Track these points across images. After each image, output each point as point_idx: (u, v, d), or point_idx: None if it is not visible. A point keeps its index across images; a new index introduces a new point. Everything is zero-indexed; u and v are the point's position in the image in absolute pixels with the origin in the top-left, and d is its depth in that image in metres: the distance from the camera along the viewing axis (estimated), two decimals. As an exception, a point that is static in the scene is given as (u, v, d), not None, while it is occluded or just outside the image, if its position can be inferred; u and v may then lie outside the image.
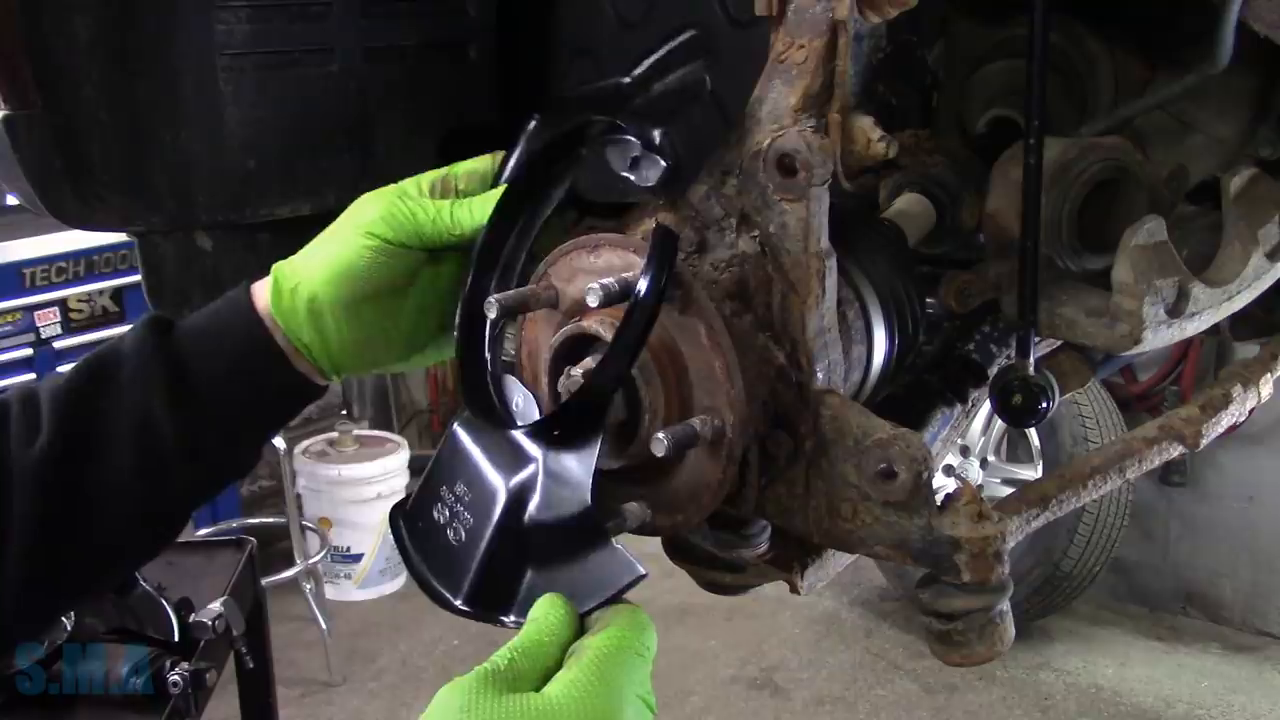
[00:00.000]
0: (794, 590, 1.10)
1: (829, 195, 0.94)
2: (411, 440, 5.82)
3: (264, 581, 2.74)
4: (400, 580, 5.13)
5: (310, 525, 4.85)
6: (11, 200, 3.87)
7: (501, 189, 1.03)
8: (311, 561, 4.52)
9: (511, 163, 1.06)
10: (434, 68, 1.51)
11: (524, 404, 0.97)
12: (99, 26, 1.32)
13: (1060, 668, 4.50)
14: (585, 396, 0.89)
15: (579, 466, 0.87)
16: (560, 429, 0.89)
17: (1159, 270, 1.12)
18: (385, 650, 4.73)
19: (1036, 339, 1.14)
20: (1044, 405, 1.13)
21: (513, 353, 1.04)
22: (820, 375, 0.95)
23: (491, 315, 0.94)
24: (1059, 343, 1.30)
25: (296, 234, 1.13)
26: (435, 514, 0.93)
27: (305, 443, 5.18)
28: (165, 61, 1.37)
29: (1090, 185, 1.17)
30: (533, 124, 1.04)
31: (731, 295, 0.94)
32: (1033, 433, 4.52)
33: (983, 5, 1.35)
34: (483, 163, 1.06)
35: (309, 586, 4.47)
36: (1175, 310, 1.15)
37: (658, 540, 1.08)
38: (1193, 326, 1.19)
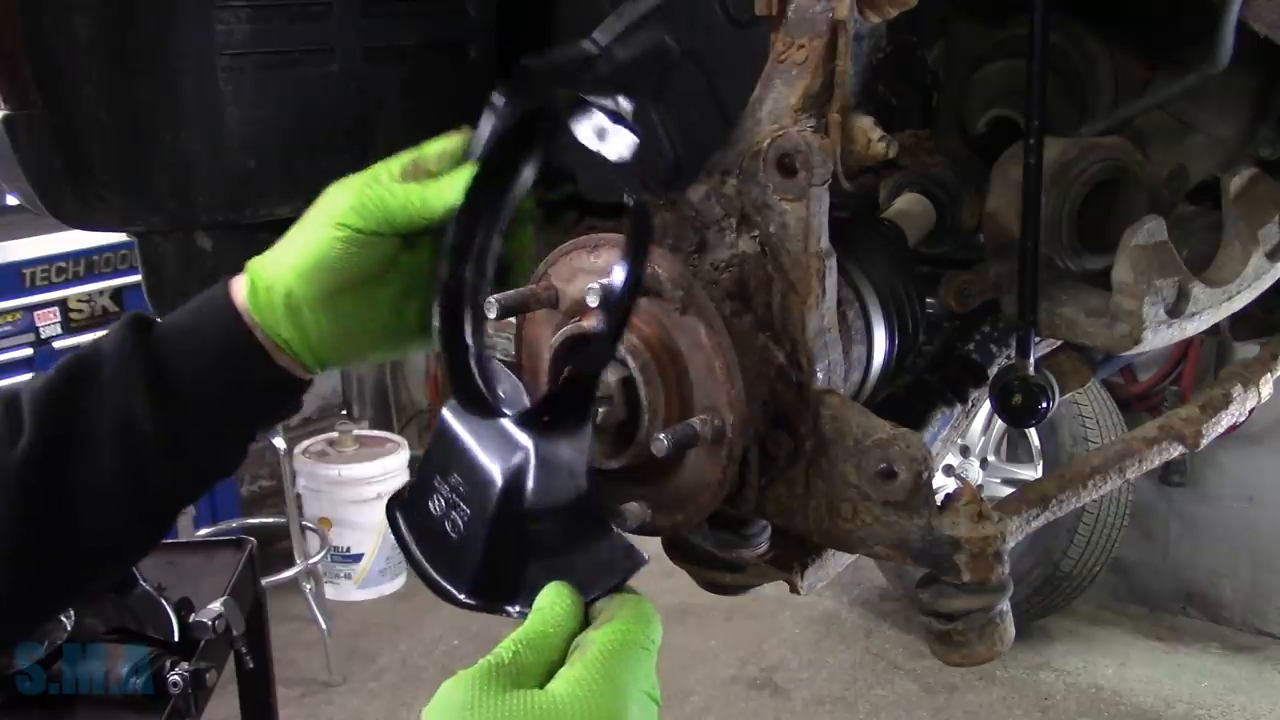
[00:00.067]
0: (794, 590, 1.10)
1: (829, 195, 0.94)
2: (411, 440, 5.81)
3: (264, 581, 2.74)
4: (400, 580, 5.13)
5: (310, 525, 4.85)
6: (11, 200, 3.87)
7: (471, 168, 1.00)
8: (311, 561, 4.52)
9: (480, 141, 1.02)
10: (434, 68, 1.51)
11: (511, 390, 0.96)
12: (99, 26, 1.32)
13: (1060, 668, 4.50)
14: (574, 382, 0.89)
15: (573, 453, 0.87)
16: (551, 416, 0.88)
17: (1159, 270, 1.12)
18: (385, 650, 4.73)
19: (1036, 339, 1.14)
20: (1044, 405, 1.13)
21: (512, 352, 1.04)
22: (820, 375, 0.95)
23: (491, 315, 0.94)
24: (1059, 343, 1.30)
25: (296, 234, 1.13)
26: (432, 505, 0.92)
27: (305, 443, 5.18)
28: (165, 61, 1.37)
29: (1090, 185, 1.17)
30: (499, 98, 1.01)
31: (731, 295, 0.94)
32: (1033, 433, 4.52)
33: (983, 5, 1.35)
34: (452, 142, 1.03)
35: (309, 586, 4.47)
36: (1175, 310, 1.15)
37: (658, 540, 1.08)
38: (1193, 326, 1.19)
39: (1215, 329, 1.33)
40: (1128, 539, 4.60)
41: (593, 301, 0.87)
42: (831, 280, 0.95)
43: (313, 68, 1.43)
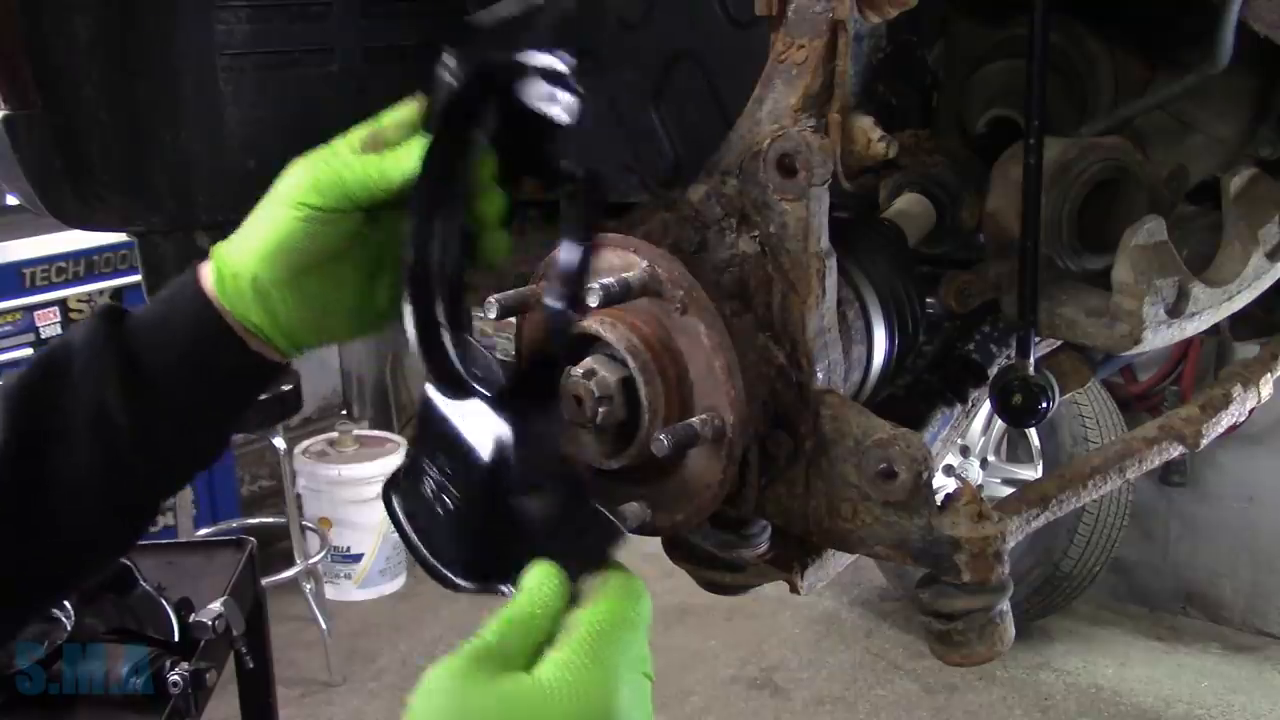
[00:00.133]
0: (794, 590, 1.10)
1: (829, 195, 0.94)
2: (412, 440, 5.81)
3: (264, 581, 2.74)
4: (400, 580, 5.13)
5: (310, 525, 4.84)
6: (11, 200, 3.87)
7: (425, 138, 0.98)
8: (311, 561, 4.52)
9: (432, 107, 1.00)
10: (434, 68, 1.51)
11: (487, 369, 0.94)
12: (99, 26, 1.32)
13: (1060, 668, 4.50)
14: (542, 360, 0.88)
15: (548, 430, 0.87)
16: (524, 395, 0.88)
17: (1159, 270, 1.12)
18: (385, 650, 4.73)
19: (1036, 339, 1.14)
20: (1044, 405, 1.13)
21: (512, 353, 1.04)
22: (820, 375, 0.95)
23: (491, 315, 0.94)
24: (1059, 343, 1.30)
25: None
26: (423, 488, 0.91)
27: (305, 443, 5.18)
28: (165, 61, 1.37)
29: (1090, 185, 1.17)
30: (449, 59, 0.99)
31: (731, 295, 0.94)
32: (1033, 433, 4.52)
33: (983, 5, 1.35)
34: (408, 110, 1.00)
35: (309, 586, 4.47)
36: (1175, 310, 1.15)
37: (658, 540, 1.08)
38: (1193, 326, 1.19)
39: (1215, 329, 1.33)
40: (1128, 539, 4.60)
41: (593, 302, 0.87)
42: (831, 280, 0.95)
43: (313, 68, 1.44)
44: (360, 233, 0.99)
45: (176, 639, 2.25)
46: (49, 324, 4.29)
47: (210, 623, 2.28)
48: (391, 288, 1.02)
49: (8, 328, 4.19)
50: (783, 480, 0.97)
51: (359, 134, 0.99)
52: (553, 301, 0.88)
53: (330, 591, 4.89)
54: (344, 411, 6.15)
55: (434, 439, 0.92)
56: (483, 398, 0.89)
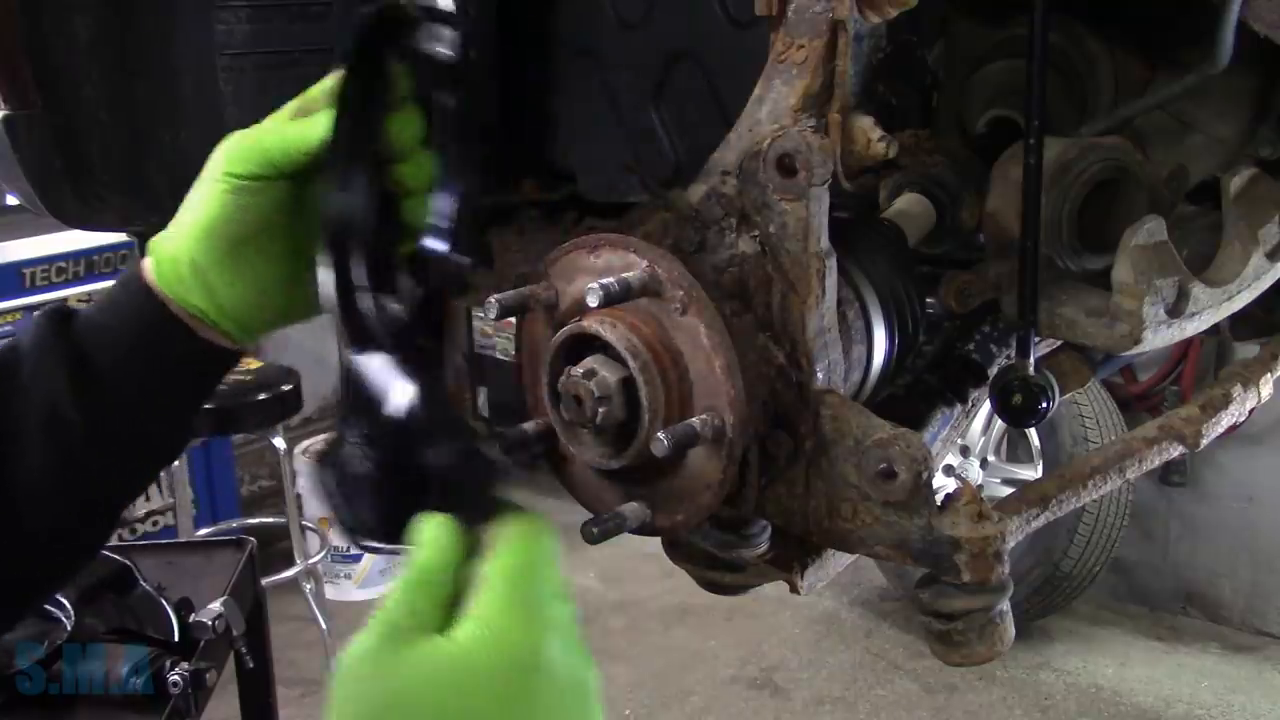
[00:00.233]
0: (794, 590, 1.10)
1: (829, 195, 0.94)
2: (411, 440, 5.81)
3: (264, 581, 2.73)
4: (400, 580, 5.13)
5: (310, 525, 4.84)
6: (11, 200, 3.87)
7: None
8: (311, 561, 4.52)
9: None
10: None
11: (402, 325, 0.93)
12: (99, 26, 1.33)
13: (1060, 668, 4.50)
14: (428, 303, 0.88)
15: (435, 379, 0.86)
16: (410, 344, 0.88)
17: (1159, 270, 1.12)
18: (385, 650, 4.73)
19: (1036, 339, 1.14)
20: (1044, 405, 1.13)
21: (512, 352, 1.04)
22: (820, 375, 0.95)
23: (491, 315, 0.94)
24: (1059, 343, 1.30)
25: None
26: (346, 455, 0.90)
27: (305, 443, 5.18)
28: (165, 61, 1.37)
29: (1090, 185, 1.17)
30: (364, 8, 0.97)
31: (731, 295, 0.94)
32: (1033, 433, 4.52)
33: (983, 5, 1.34)
34: (334, 78, 0.99)
35: (309, 586, 4.47)
36: (1175, 310, 1.15)
37: (658, 540, 1.08)
38: (1193, 326, 1.19)
39: (1215, 329, 1.33)
40: (1128, 539, 4.60)
41: (593, 302, 0.87)
42: (831, 280, 0.95)
43: (313, 68, 1.43)
44: (290, 203, 0.97)
45: (176, 639, 2.25)
46: (49, 324, 4.29)
47: (210, 623, 2.28)
48: None
49: (8, 328, 4.19)
50: (783, 480, 0.97)
51: (290, 107, 0.99)
52: (432, 243, 0.87)
53: (330, 591, 4.89)
54: (344, 411, 6.14)
55: (352, 403, 0.91)
56: (388, 354, 0.88)
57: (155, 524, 4.73)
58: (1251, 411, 1.34)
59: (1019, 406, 1.14)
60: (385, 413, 0.87)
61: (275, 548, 4.49)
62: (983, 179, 1.19)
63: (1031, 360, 1.13)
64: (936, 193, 1.24)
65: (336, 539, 5.02)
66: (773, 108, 0.96)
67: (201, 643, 2.26)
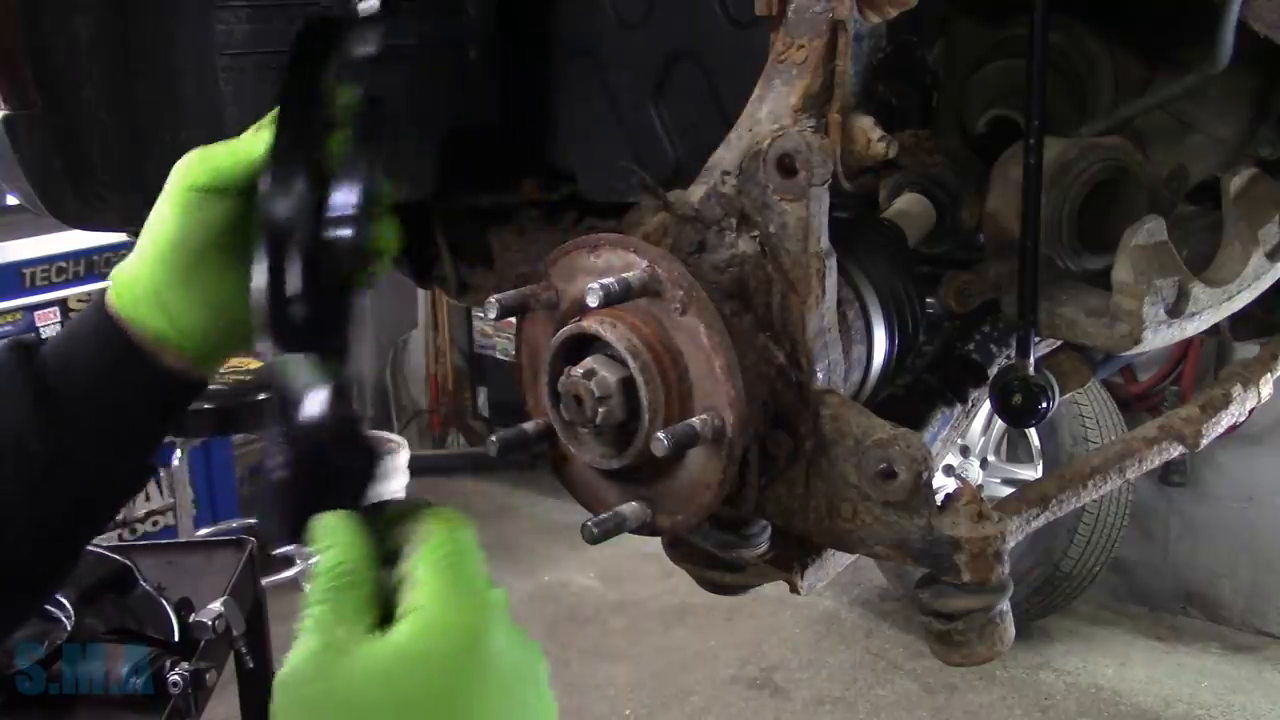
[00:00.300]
0: (794, 590, 1.10)
1: (829, 195, 0.94)
2: (411, 440, 5.82)
3: (264, 581, 2.73)
4: (400, 580, 5.13)
5: (310, 525, 4.84)
6: (11, 200, 3.87)
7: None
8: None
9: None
10: (434, 68, 1.51)
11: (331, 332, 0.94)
12: (99, 26, 1.33)
13: (1060, 668, 4.50)
14: (330, 293, 0.89)
15: (343, 378, 0.86)
16: (324, 343, 0.88)
17: (1159, 270, 1.12)
18: (385, 650, 4.73)
19: (1036, 339, 1.14)
20: (1044, 405, 1.13)
21: (513, 353, 1.04)
22: (820, 375, 0.95)
23: (491, 316, 0.94)
24: (1059, 343, 1.30)
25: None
26: (271, 462, 0.91)
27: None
28: (165, 61, 1.37)
29: (1090, 185, 1.17)
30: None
31: (731, 295, 0.94)
32: (1033, 433, 4.52)
33: (983, 5, 1.34)
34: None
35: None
36: (1175, 310, 1.15)
37: (658, 540, 1.08)
38: (1193, 326, 1.19)
39: (1215, 329, 1.33)
40: (1128, 539, 4.60)
41: (593, 302, 0.87)
42: (831, 280, 0.95)
43: (312, 68, 1.43)
44: (241, 218, 0.97)
45: (176, 639, 2.25)
46: (49, 324, 4.30)
47: (210, 623, 2.28)
48: None
49: (8, 328, 4.20)
50: (783, 480, 0.97)
51: (254, 127, 1.00)
52: (337, 232, 0.88)
53: (330, 591, 4.88)
54: (344, 411, 6.13)
55: (277, 410, 0.92)
56: (309, 354, 0.88)
57: (155, 524, 4.73)
58: (1251, 411, 1.34)
59: (1019, 406, 1.14)
60: (298, 415, 0.87)
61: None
62: (983, 179, 1.19)
63: (1031, 360, 1.13)
64: (936, 193, 1.24)
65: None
66: (773, 108, 0.96)
67: (201, 643, 2.26)
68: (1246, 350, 1.52)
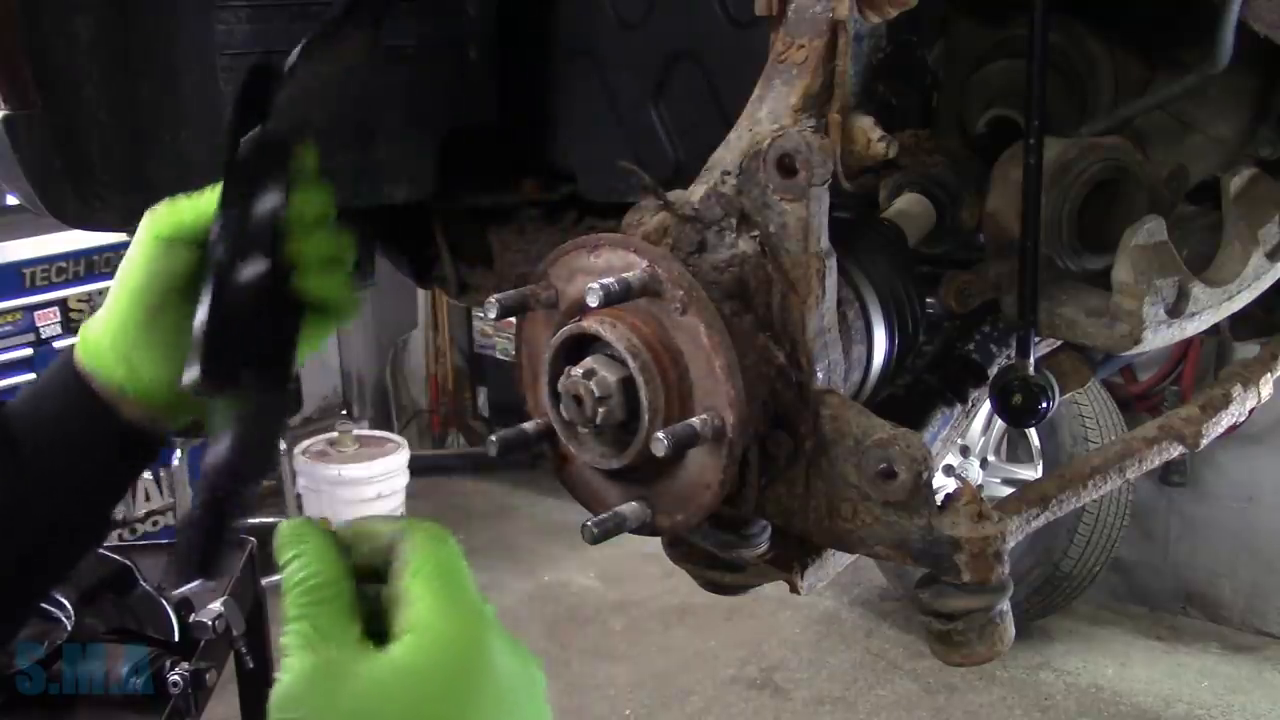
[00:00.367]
0: (794, 590, 1.10)
1: (829, 195, 0.94)
2: (411, 440, 5.82)
3: (264, 581, 2.73)
4: (400, 580, 5.13)
5: (310, 525, 4.84)
6: (11, 200, 3.87)
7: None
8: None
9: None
10: (434, 68, 1.51)
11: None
12: (99, 26, 1.33)
13: (1060, 668, 4.50)
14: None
15: (247, 419, 0.91)
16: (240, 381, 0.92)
17: (1159, 270, 1.12)
18: (385, 650, 4.73)
19: (1036, 339, 1.14)
20: (1044, 405, 1.13)
21: (512, 353, 1.04)
22: (820, 375, 0.95)
23: (491, 315, 0.94)
24: (1059, 343, 1.30)
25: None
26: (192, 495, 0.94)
27: (305, 443, 5.18)
28: (165, 61, 1.37)
29: (1090, 185, 1.17)
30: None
31: (731, 295, 0.94)
32: (1033, 433, 4.52)
33: (983, 5, 1.35)
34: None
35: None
36: (1175, 310, 1.15)
37: (658, 540, 1.08)
38: (1193, 326, 1.19)
39: (1215, 329, 1.33)
40: (1128, 539, 4.60)
41: (593, 302, 0.87)
42: (831, 280, 0.95)
43: (312, 68, 1.43)
44: (203, 269, 0.98)
45: (176, 639, 2.25)
46: (49, 324, 4.30)
47: (210, 623, 2.28)
48: None
49: (8, 328, 4.20)
50: (783, 480, 0.97)
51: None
52: (243, 272, 0.92)
53: (330, 591, 4.89)
54: (344, 411, 6.15)
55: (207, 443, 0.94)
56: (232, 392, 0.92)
57: (155, 524, 4.73)
58: (1251, 411, 1.34)
59: (1019, 406, 1.14)
60: (210, 454, 0.91)
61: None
62: (983, 179, 1.19)
63: (1031, 360, 1.13)
64: (936, 193, 1.24)
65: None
66: (773, 108, 0.96)
67: (201, 643, 2.26)
68: (1246, 350, 1.52)
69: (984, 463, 4.72)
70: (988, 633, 0.95)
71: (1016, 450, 4.79)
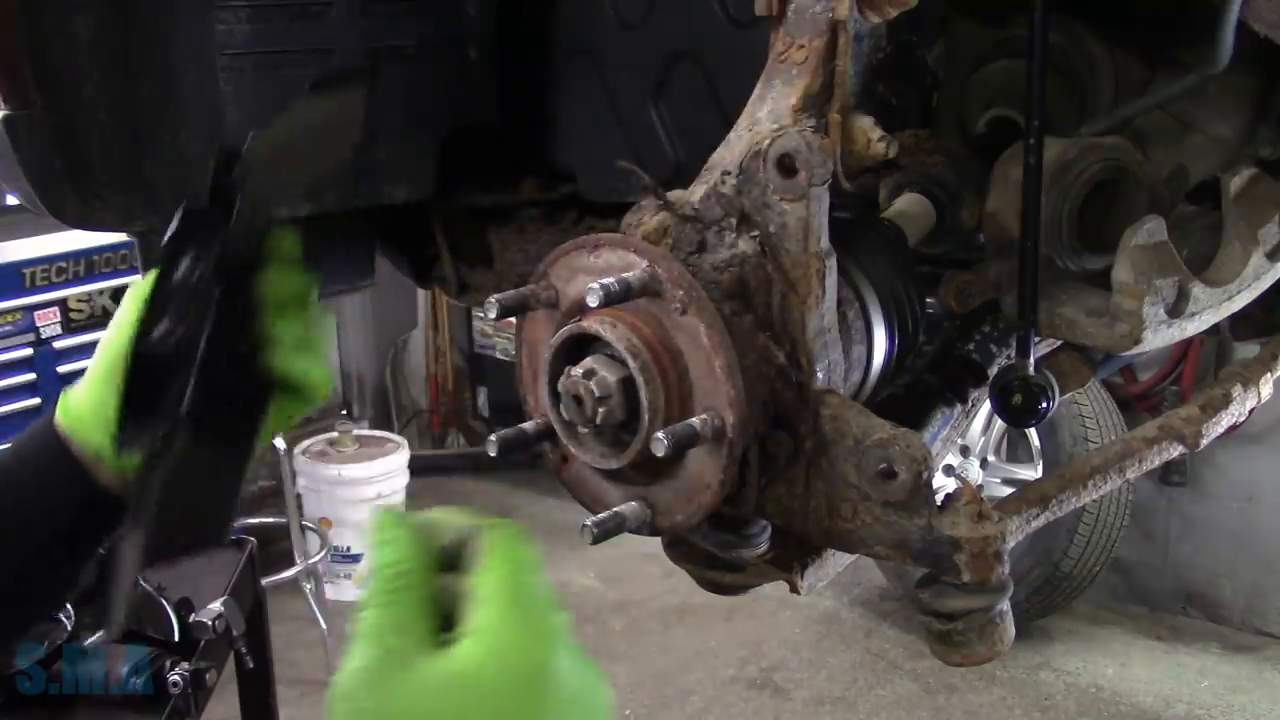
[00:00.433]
0: (794, 590, 1.10)
1: (829, 195, 0.94)
2: (411, 440, 5.81)
3: (264, 581, 2.73)
4: (400, 580, 5.13)
5: (310, 525, 4.84)
6: (11, 200, 3.87)
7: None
8: (311, 561, 4.52)
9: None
10: (434, 68, 1.51)
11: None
12: (99, 26, 1.33)
13: (1060, 668, 4.50)
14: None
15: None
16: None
17: (1159, 270, 1.12)
18: (385, 650, 4.72)
19: (1036, 339, 1.14)
20: (1044, 405, 1.13)
21: (512, 353, 1.04)
22: (820, 375, 0.95)
23: (491, 315, 0.94)
24: (1059, 343, 1.30)
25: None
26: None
27: (305, 443, 5.18)
28: (165, 61, 1.37)
29: (1090, 185, 1.17)
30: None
31: (731, 295, 0.94)
32: (1033, 433, 4.52)
33: (983, 5, 1.35)
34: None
35: (309, 586, 4.47)
36: (1175, 310, 1.15)
37: (658, 540, 1.08)
38: (1193, 326, 1.19)
39: (1215, 329, 1.33)
40: (1128, 539, 4.60)
41: (593, 302, 0.87)
42: (831, 280, 0.95)
43: (312, 68, 1.43)
44: None
45: (176, 639, 2.25)
46: (49, 324, 4.29)
47: (210, 623, 2.28)
48: None
49: (8, 328, 4.19)
50: (783, 480, 0.97)
51: None
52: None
53: (330, 591, 4.89)
54: (344, 411, 6.14)
55: None
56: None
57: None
58: (1251, 411, 1.34)
59: (1019, 406, 1.14)
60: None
61: (275, 548, 4.49)
62: (983, 179, 1.19)
63: (1031, 360, 1.13)
64: (936, 193, 1.24)
65: (336, 539, 5.03)
66: (773, 108, 0.96)
67: (201, 643, 2.26)
68: (1246, 350, 1.52)
69: (984, 463, 4.72)
70: (988, 633, 0.95)
71: (1016, 450, 4.79)
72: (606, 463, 0.93)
